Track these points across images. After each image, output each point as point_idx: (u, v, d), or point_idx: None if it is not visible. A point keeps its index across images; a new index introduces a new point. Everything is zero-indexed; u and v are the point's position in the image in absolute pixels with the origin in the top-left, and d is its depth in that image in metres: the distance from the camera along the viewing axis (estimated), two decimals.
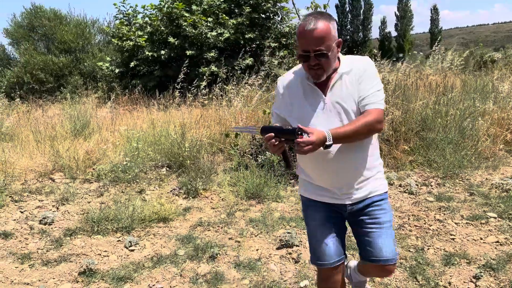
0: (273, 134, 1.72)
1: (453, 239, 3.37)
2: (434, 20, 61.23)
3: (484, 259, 3.03)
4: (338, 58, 1.89)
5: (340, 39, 1.85)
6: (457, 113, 5.78)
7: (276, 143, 1.72)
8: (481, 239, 3.34)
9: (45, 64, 14.42)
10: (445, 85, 7.25)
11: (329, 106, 1.86)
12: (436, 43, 10.19)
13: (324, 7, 5.44)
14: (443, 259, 3.06)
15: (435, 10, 61.54)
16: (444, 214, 3.88)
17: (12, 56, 16.89)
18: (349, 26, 58.57)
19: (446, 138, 5.35)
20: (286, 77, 2.01)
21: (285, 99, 1.97)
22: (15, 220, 4.24)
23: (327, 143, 1.71)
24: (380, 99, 1.85)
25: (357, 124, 1.78)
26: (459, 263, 3.00)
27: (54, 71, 14.61)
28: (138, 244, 3.58)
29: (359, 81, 1.84)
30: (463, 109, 5.92)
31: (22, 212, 4.48)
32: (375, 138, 1.99)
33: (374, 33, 68.37)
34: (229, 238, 3.63)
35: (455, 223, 3.66)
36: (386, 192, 2.03)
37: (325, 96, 1.87)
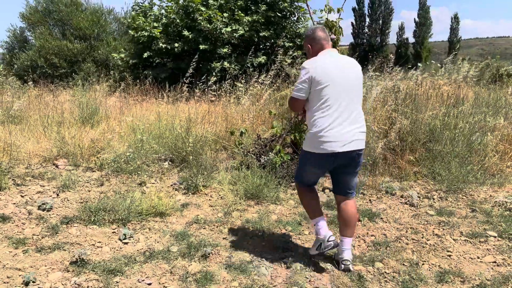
0: None
1: (449, 255, 3.31)
2: (454, 29, 60.60)
3: (479, 279, 2.97)
4: None
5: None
6: (466, 127, 5.68)
7: None
8: (478, 258, 3.27)
9: (59, 49, 14.52)
10: (457, 96, 7.14)
11: None
12: (452, 53, 10.04)
13: (338, 10, 5.37)
14: (437, 275, 3.01)
15: (455, 19, 60.90)
16: (443, 229, 3.82)
17: (29, 39, 17.07)
18: (366, 30, 58.14)
19: (453, 151, 5.27)
20: None
21: None
22: (14, 204, 4.28)
23: None
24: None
25: None
26: (452, 281, 2.95)
27: (68, 57, 14.71)
28: (132, 237, 3.58)
29: None
30: (473, 123, 5.82)
31: (22, 197, 4.51)
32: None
33: (392, 39, 67.72)
34: (224, 238, 3.62)
35: (453, 240, 3.60)
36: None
37: None
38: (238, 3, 12.87)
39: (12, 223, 3.81)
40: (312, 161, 3.03)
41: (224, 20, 12.36)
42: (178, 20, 12.72)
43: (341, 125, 2.87)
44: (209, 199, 4.61)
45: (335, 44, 5.45)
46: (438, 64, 9.15)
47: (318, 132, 2.87)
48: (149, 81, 10.91)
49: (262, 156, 5.42)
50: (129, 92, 11.18)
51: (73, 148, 5.90)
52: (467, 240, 3.59)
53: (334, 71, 2.90)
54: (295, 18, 13.86)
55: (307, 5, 5.80)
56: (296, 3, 13.39)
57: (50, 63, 14.40)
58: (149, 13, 13.81)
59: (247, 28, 12.45)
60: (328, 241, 3.02)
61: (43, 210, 4.12)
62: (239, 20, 12.51)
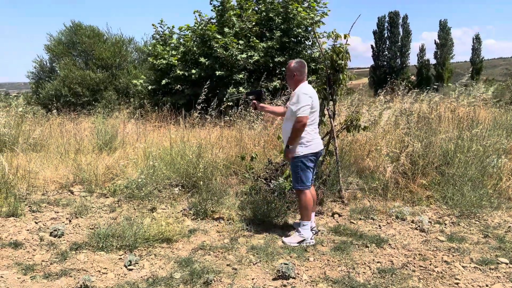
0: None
1: (457, 283, 3.22)
2: (476, 50, 59.91)
3: None
4: None
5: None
6: (480, 149, 5.57)
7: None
8: (487, 285, 3.17)
9: (82, 78, 15.10)
10: (472, 119, 7.03)
11: None
12: (467, 75, 9.90)
13: (345, 36, 5.44)
14: None
15: (477, 40, 60.32)
16: (453, 255, 3.72)
17: (56, 69, 17.80)
18: (386, 52, 58.12)
19: (465, 175, 5.16)
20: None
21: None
22: (28, 230, 4.40)
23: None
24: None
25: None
26: None
27: (91, 86, 15.27)
28: (137, 263, 3.62)
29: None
30: (487, 146, 5.71)
31: (36, 223, 4.64)
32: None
33: (413, 60, 67.37)
34: (227, 265, 3.62)
35: (463, 267, 3.50)
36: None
37: None
38: (253, 30, 13.14)
39: (24, 249, 3.91)
40: (311, 159, 4.09)
41: (239, 47, 12.62)
42: (195, 48, 13.06)
43: (318, 134, 4.23)
44: (217, 225, 4.63)
45: (342, 69, 5.50)
46: (455, 84, 9.03)
47: (312, 139, 4.06)
48: (167, 107, 11.15)
49: (272, 181, 5.43)
50: (148, 119, 11.45)
51: (89, 175, 6.05)
52: (477, 267, 3.48)
53: (316, 99, 4.08)
54: (310, 43, 14.01)
55: (315, 33, 5.89)
56: (310, 28, 13.57)
57: (74, 92, 14.96)
58: (169, 42, 14.24)
59: (262, 54, 12.66)
60: (311, 239, 4.09)
61: (55, 236, 4.22)
62: (254, 47, 12.75)
